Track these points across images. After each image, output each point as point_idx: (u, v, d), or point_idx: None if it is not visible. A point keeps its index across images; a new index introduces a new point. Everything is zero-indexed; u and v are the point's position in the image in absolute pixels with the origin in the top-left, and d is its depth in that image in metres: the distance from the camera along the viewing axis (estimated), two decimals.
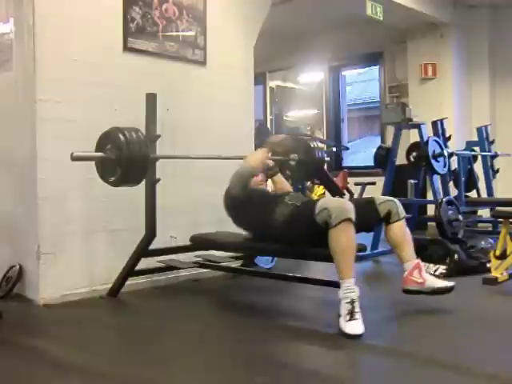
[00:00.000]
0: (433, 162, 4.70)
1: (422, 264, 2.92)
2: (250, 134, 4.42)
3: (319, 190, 7.64)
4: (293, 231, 2.77)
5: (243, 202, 3.07)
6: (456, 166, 5.50)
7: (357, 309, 2.46)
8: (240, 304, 3.26)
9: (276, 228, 2.86)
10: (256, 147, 4.55)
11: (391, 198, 2.97)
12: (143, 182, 3.10)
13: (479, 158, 6.00)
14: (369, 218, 2.95)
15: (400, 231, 2.91)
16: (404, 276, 2.90)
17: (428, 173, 4.87)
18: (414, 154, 4.97)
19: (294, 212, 2.85)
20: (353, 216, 2.55)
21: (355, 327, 2.41)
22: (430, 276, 2.91)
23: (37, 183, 3.15)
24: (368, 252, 4.48)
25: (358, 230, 2.91)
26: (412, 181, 5.03)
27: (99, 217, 3.41)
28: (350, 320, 2.42)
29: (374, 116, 11.20)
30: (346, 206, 2.59)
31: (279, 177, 3.55)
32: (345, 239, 2.53)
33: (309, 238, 2.65)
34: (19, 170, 3.31)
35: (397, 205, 2.92)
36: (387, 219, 2.91)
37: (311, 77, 9.30)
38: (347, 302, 2.46)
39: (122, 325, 2.90)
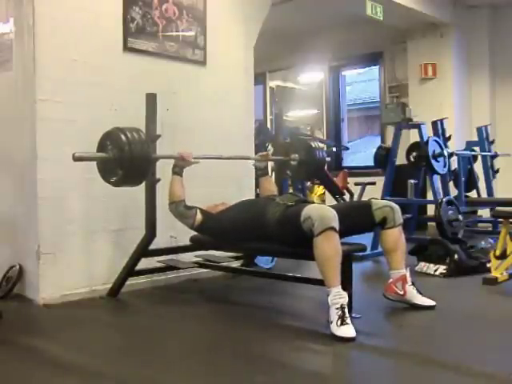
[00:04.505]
0: (433, 162, 4.69)
1: (408, 276, 2.94)
2: (250, 134, 4.42)
3: (319, 190, 7.65)
4: (288, 231, 2.77)
5: (210, 224, 3.13)
6: (456, 166, 5.50)
7: (347, 314, 2.46)
8: (240, 304, 3.26)
9: (270, 226, 2.86)
10: (256, 147, 4.56)
11: (389, 204, 2.93)
12: (143, 182, 3.11)
13: (479, 157, 6.00)
14: (362, 223, 2.95)
15: (393, 238, 2.91)
16: (388, 282, 2.95)
17: (428, 173, 4.87)
18: (414, 153, 4.96)
19: (285, 212, 2.84)
20: (335, 224, 2.54)
21: (347, 331, 2.41)
22: (412, 290, 2.93)
23: (37, 183, 3.15)
24: (368, 252, 4.47)
25: (352, 233, 2.94)
26: (412, 181, 5.03)
27: (99, 217, 3.41)
28: (341, 325, 2.42)
29: (374, 116, 11.20)
30: (329, 214, 2.57)
31: (267, 178, 3.61)
32: (328, 248, 2.52)
33: (303, 241, 2.64)
34: (19, 170, 3.31)
35: (394, 211, 2.89)
36: (383, 224, 2.91)
37: (311, 77, 9.31)
38: (337, 308, 2.46)
39: (121, 325, 2.90)
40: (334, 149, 7.98)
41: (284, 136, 5.78)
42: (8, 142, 3.40)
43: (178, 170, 3.15)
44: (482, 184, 5.94)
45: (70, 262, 3.26)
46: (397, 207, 2.93)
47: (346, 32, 7.56)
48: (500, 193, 6.36)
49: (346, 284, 2.63)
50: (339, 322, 2.43)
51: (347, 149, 8.18)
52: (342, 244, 2.59)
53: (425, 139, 4.75)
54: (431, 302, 2.93)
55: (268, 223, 2.87)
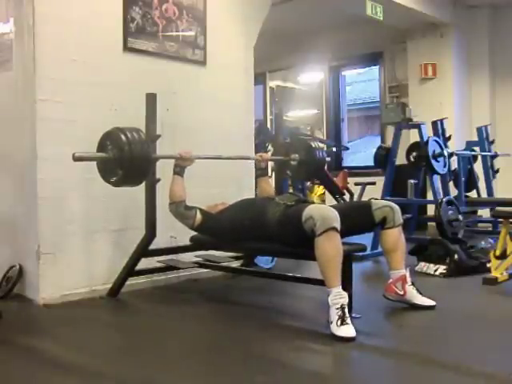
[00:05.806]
0: (433, 162, 4.69)
1: (408, 276, 2.94)
2: (250, 134, 4.42)
3: (319, 190, 7.65)
4: (288, 231, 2.77)
5: (210, 224, 3.13)
6: (456, 166, 5.50)
7: (347, 314, 2.47)
8: (240, 304, 3.26)
9: (271, 227, 2.86)
10: (256, 147, 4.56)
11: (389, 204, 2.94)
12: (143, 182, 3.11)
13: (479, 157, 6.00)
14: (362, 223, 2.95)
15: (392, 238, 2.91)
16: (388, 283, 2.96)
17: (428, 173, 4.87)
18: (414, 153, 4.97)
19: (286, 211, 2.84)
20: (337, 225, 2.54)
21: (348, 331, 2.42)
22: (412, 290, 2.93)
23: (37, 183, 3.15)
24: (368, 252, 4.47)
25: (352, 233, 2.94)
26: (412, 181, 5.03)
27: (99, 217, 3.41)
28: (341, 325, 2.43)
29: (374, 116, 11.20)
30: (331, 214, 2.57)
31: (265, 179, 3.62)
32: (329, 248, 2.53)
33: (304, 242, 2.64)
34: (19, 170, 3.31)
35: (394, 211, 2.90)
36: (383, 224, 2.91)
37: (311, 77, 9.31)
38: (337, 308, 2.46)
39: (121, 325, 2.90)
40: (334, 149, 7.98)
41: (284, 136, 5.78)
42: (8, 142, 3.40)
43: (178, 170, 3.14)
44: (482, 184, 5.94)
45: (70, 262, 3.27)
46: (397, 207, 2.93)
47: (346, 32, 7.56)
48: (500, 193, 6.36)
49: (346, 284, 2.63)
50: (339, 322, 2.43)
51: (347, 149, 8.18)
52: (342, 244, 2.59)
53: (425, 139, 4.75)
54: (431, 302, 2.94)
55: (268, 223, 2.87)
